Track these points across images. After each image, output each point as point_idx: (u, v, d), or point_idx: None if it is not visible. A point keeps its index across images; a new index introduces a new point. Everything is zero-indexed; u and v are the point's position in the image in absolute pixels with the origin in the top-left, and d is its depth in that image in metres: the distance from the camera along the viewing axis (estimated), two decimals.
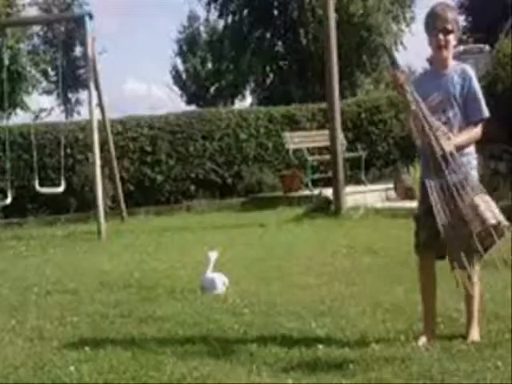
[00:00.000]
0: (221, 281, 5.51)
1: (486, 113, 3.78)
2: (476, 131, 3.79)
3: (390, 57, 3.93)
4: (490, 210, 3.52)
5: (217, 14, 23.54)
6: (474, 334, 3.76)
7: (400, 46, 22.89)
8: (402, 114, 14.78)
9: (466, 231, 3.49)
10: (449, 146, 3.62)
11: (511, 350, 3.47)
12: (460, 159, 3.65)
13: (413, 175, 11.29)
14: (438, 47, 3.81)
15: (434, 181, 3.63)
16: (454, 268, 3.57)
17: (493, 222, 3.49)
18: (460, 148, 3.73)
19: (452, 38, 3.80)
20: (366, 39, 21.64)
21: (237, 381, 3.36)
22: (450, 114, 3.78)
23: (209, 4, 23.39)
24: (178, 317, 4.70)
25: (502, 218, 3.53)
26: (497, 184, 10.15)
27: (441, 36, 3.78)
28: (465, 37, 26.75)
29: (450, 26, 3.77)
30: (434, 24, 3.79)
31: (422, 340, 3.74)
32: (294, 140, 13.76)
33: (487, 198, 3.59)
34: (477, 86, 3.78)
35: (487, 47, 16.42)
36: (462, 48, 18.30)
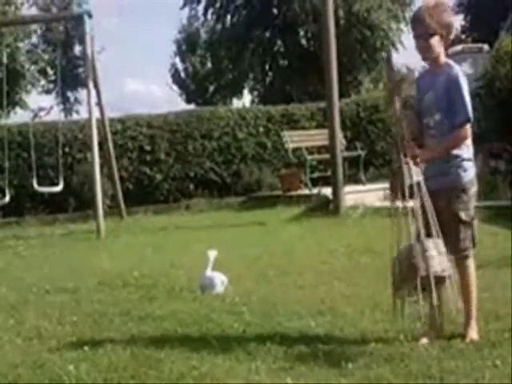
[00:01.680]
0: (220, 280, 5.51)
1: (470, 114, 3.71)
2: (459, 134, 3.74)
3: (387, 58, 3.97)
4: (439, 257, 3.55)
5: (215, 17, 23.50)
6: (473, 334, 3.76)
7: (400, 45, 22.89)
8: None
9: (412, 269, 3.55)
10: (417, 176, 3.65)
11: (511, 349, 3.47)
12: (423, 187, 3.65)
13: None
14: (420, 53, 3.84)
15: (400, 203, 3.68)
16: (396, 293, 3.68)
17: (437, 269, 3.53)
18: (446, 154, 3.77)
19: (435, 40, 3.77)
20: (367, 38, 21.65)
21: (236, 380, 3.36)
22: (437, 118, 3.80)
23: (206, 8, 23.34)
24: (176, 315, 4.70)
25: (447, 266, 3.55)
26: (496, 183, 10.16)
27: (421, 42, 3.80)
28: (463, 36, 26.74)
29: (430, 30, 3.75)
30: (414, 29, 3.83)
31: (423, 341, 3.73)
32: (293, 139, 13.77)
33: (439, 242, 3.59)
34: (463, 86, 3.72)
35: (486, 46, 16.42)
36: (460, 47, 18.32)
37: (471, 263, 3.83)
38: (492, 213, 8.30)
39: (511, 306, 4.20)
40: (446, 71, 3.80)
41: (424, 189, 3.64)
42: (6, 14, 17.56)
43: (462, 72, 3.83)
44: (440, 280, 3.56)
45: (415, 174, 3.66)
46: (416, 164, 3.68)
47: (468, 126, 3.75)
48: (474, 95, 11.21)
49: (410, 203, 3.66)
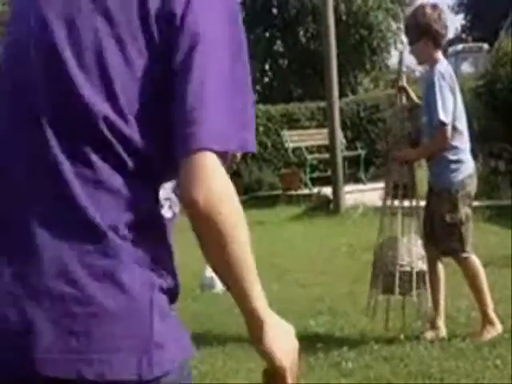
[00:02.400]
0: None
1: (442, 117, 3.66)
2: (438, 137, 3.73)
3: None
4: (395, 255, 3.73)
5: None
6: (486, 335, 3.73)
7: (400, 45, 22.89)
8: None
9: (392, 262, 3.68)
10: (404, 177, 3.89)
11: (511, 349, 3.47)
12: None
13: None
14: (415, 58, 4.05)
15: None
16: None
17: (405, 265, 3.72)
18: (428, 155, 3.87)
19: (420, 45, 3.85)
20: (366, 38, 21.65)
21: (236, 380, 3.36)
22: (424, 119, 3.85)
23: None
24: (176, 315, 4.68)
25: (402, 264, 3.70)
26: (497, 183, 10.15)
27: (410, 49, 4.01)
28: (464, 35, 26.73)
29: (413, 37, 3.91)
30: (406, 38, 4.18)
31: (430, 334, 3.75)
32: (293, 138, 13.75)
33: (419, 241, 3.77)
34: (436, 89, 3.68)
35: (486, 46, 16.40)
36: (461, 46, 18.31)
37: (472, 264, 3.77)
38: (493, 213, 8.31)
39: (511, 305, 4.19)
40: (427, 73, 3.92)
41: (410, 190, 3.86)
42: (5, 13, 17.58)
43: (444, 71, 3.80)
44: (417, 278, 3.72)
45: (403, 176, 3.83)
46: (401, 164, 3.83)
47: (447, 128, 3.68)
48: (474, 94, 11.24)
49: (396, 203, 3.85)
